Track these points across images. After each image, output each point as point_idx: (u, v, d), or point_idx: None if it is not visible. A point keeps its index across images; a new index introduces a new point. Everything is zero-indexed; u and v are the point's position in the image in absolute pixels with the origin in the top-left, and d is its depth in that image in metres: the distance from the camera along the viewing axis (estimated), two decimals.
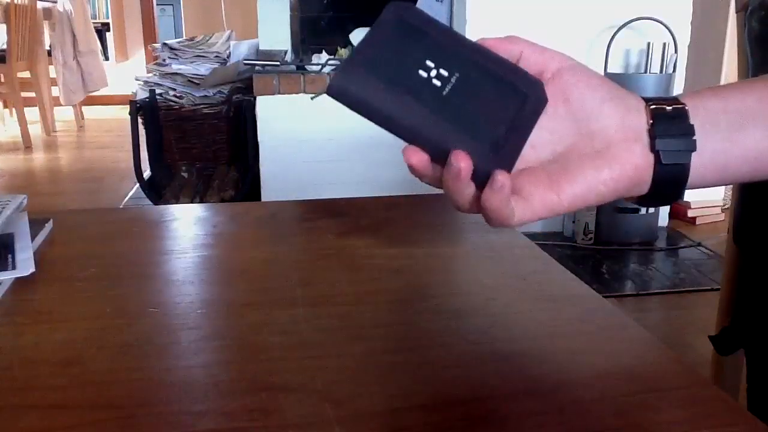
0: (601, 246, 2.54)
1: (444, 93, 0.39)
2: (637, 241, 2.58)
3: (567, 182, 0.40)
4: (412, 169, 0.39)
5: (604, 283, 2.23)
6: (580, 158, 0.41)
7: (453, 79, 0.39)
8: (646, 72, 2.56)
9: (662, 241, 2.64)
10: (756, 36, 0.81)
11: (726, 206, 2.82)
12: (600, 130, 0.41)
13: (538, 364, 0.47)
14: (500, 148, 0.38)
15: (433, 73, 0.39)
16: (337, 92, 0.38)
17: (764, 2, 0.77)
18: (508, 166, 0.39)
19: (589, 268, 2.37)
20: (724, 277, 1.12)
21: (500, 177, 0.37)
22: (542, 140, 0.41)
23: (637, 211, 2.57)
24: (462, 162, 0.37)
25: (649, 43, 2.55)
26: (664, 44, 2.51)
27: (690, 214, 2.82)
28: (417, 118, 0.38)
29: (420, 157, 0.38)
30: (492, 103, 0.39)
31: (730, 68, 3.04)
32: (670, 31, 2.48)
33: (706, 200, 2.81)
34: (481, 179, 0.38)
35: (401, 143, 0.39)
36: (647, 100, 0.42)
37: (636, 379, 0.45)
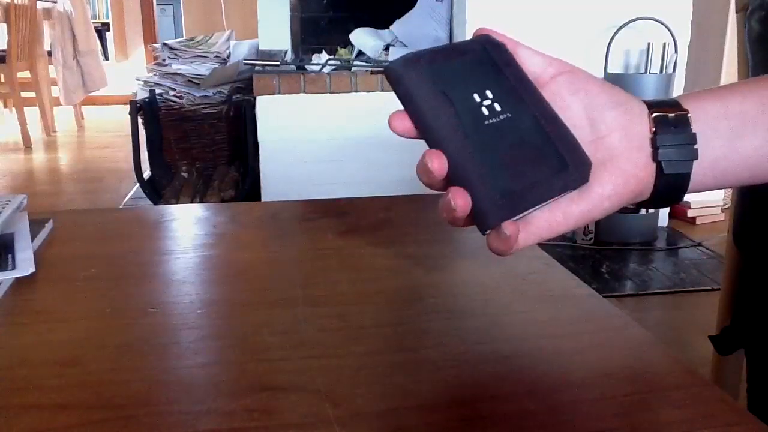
0: (601, 246, 2.54)
1: (485, 123, 0.38)
2: (637, 241, 2.58)
3: (572, 201, 0.40)
4: (429, 173, 0.37)
5: (604, 283, 2.23)
6: None
7: (502, 117, 0.38)
8: (646, 72, 2.56)
9: (662, 241, 2.63)
10: (756, 36, 0.80)
11: (726, 206, 2.82)
12: (603, 138, 0.41)
13: (538, 364, 0.47)
14: (508, 198, 0.37)
15: (487, 102, 0.38)
16: (391, 73, 0.38)
17: (764, 2, 0.77)
18: (508, 216, 0.38)
19: (589, 268, 2.37)
20: (724, 277, 1.12)
21: (510, 228, 0.37)
22: None
23: (637, 211, 2.57)
24: (459, 200, 0.37)
25: (649, 43, 2.55)
26: (664, 44, 2.51)
27: (690, 214, 2.82)
28: (447, 131, 0.37)
29: (441, 162, 0.37)
30: (526, 156, 0.38)
31: (730, 68, 3.04)
32: (670, 31, 2.48)
33: (706, 200, 2.81)
34: (475, 217, 0.38)
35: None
36: (650, 106, 0.42)
37: (636, 379, 0.45)
